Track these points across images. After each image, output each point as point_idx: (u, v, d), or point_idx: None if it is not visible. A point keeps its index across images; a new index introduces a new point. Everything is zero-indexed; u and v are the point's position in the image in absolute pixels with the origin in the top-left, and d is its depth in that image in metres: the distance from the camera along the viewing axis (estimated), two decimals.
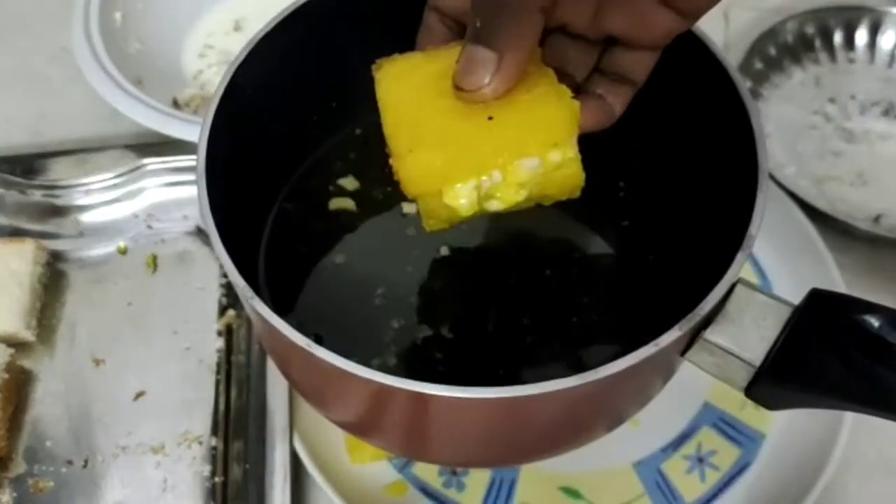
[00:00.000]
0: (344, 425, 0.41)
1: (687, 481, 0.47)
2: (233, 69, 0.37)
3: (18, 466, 0.47)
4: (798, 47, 0.67)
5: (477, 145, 0.32)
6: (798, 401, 0.32)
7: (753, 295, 0.32)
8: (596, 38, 0.35)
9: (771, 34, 0.66)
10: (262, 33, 0.39)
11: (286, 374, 0.41)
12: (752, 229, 0.32)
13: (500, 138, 0.31)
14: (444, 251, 0.44)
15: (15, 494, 0.46)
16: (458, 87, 0.31)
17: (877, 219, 0.59)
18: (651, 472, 0.48)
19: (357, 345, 0.41)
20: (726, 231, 0.34)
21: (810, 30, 0.67)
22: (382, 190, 0.46)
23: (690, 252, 0.41)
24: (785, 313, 0.31)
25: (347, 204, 0.46)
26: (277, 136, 0.43)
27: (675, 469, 0.48)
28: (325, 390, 0.37)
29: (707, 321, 0.31)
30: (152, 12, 0.65)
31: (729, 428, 0.49)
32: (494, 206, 0.33)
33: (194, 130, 0.54)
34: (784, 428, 0.49)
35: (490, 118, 0.31)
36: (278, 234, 0.45)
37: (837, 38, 0.68)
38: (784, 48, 0.67)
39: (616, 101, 0.36)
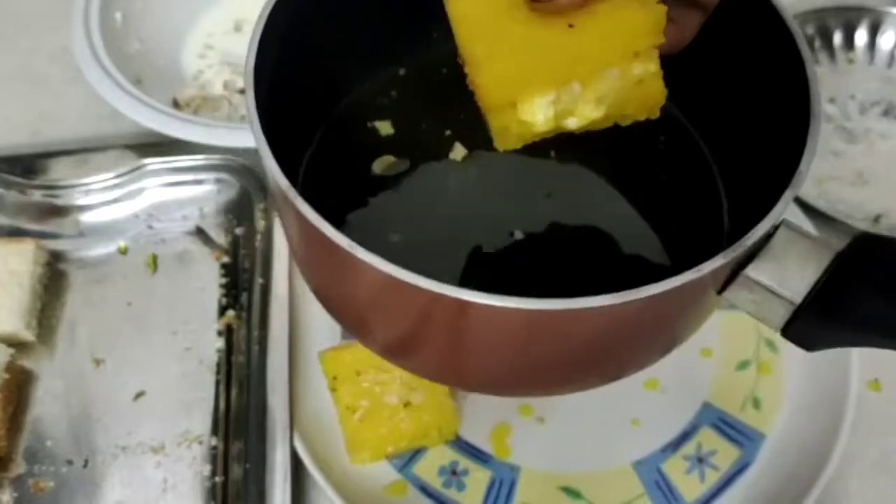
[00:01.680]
0: (378, 345, 0.40)
1: (687, 481, 0.47)
2: None
3: (18, 466, 0.47)
4: None
5: (557, 54, 0.30)
6: (837, 340, 0.32)
7: (797, 236, 0.32)
8: None
9: None
10: None
11: (321, 290, 0.39)
12: (803, 166, 0.32)
13: (581, 46, 0.30)
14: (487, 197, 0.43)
15: (15, 494, 0.46)
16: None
17: (877, 219, 0.59)
18: (651, 472, 0.48)
19: None
20: (766, 181, 0.34)
21: (810, 30, 0.67)
22: (426, 135, 0.45)
23: (730, 206, 0.41)
24: (829, 253, 0.31)
25: (390, 160, 0.44)
26: (324, 61, 0.42)
27: (675, 469, 0.48)
28: (364, 302, 0.36)
29: (749, 257, 0.31)
30: (152, 12, 0.65)
31: (729, 428, 0.49)
32: (571, 123, 0.32)
33: (194, 130, 0.54)
34: (784, 428, 0.49)
35: (570, 26, 0.30)
36: (318, 163, 0.44)
37: (837, 38, 0.68)
38: None
39: (686, 24, 0.34)
